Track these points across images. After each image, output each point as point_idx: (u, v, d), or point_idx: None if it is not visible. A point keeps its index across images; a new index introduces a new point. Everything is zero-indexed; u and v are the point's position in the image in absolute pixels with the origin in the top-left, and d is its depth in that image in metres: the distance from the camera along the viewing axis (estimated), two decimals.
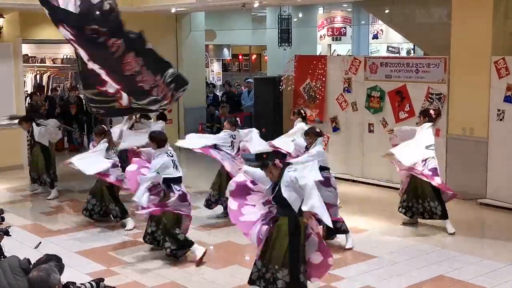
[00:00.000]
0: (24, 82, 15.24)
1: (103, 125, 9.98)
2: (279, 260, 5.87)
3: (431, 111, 8.89)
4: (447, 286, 6.73)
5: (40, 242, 6.31)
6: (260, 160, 6.11)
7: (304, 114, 9.70)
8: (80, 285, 4.07)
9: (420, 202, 8.67)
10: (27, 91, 15.28)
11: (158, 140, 7.65)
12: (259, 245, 6.10)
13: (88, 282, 4.34)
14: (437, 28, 11.75)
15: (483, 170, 9.96)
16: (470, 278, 6.90)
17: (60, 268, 4.27)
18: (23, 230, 8.75)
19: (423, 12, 12.52)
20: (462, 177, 10.10)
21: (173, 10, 14.18)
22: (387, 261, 7.49)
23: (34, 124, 10.82)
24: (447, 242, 8.24)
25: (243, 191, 6.31)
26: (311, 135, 7.92)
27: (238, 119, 9.95)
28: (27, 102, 14.46)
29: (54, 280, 3.65)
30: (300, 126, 9.32)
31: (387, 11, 13.82)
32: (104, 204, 9.05)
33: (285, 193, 5.80)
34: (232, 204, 6.29)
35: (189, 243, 7.51)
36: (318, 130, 8.04)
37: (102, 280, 4.47)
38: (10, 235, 5.42)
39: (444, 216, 8.55)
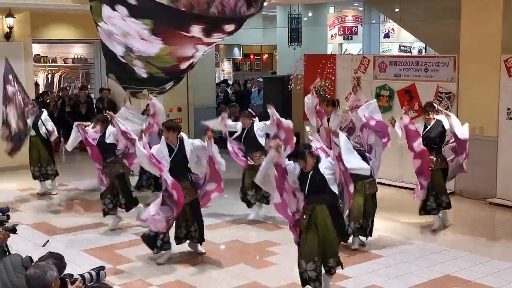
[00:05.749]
0: (36, 81, 15.33)
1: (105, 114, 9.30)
2: (332, 252, 5.97)
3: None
4: (454, 286, 6.68)
5: (48, 240, 6.31)
6: (299, 148, 6.07)
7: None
8: (77, 277, 4.07)
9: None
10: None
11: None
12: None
13: (87, 272, 4.32)
14: (447, 26, 11.68)
15: (493, 169, 9.90)
16: (477, 278, 6.84)
17: (63, 266, 4.28)
18: (31, 229, 8.81)
19: (432, 10, 12.44)
20: (472, 177, 9.99)
21: None
22: (394, 261, 7.45)
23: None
24: (455, 242, 8.18)
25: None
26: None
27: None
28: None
29: (50, 277, 3.66)
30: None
31: (397, 9, 13.77)
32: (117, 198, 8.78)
33: (325, 171, 5.82)
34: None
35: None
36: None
37: (103, 268, 4.44)
38: (17, 233, 5.42)
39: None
